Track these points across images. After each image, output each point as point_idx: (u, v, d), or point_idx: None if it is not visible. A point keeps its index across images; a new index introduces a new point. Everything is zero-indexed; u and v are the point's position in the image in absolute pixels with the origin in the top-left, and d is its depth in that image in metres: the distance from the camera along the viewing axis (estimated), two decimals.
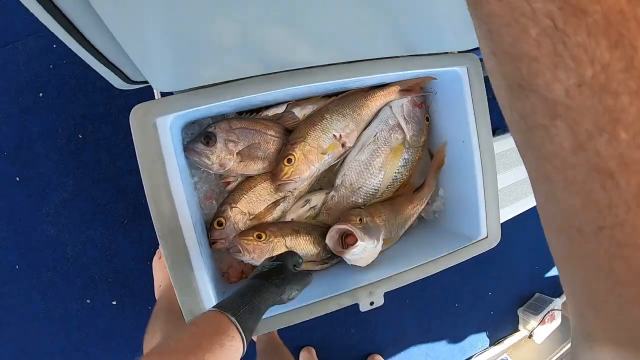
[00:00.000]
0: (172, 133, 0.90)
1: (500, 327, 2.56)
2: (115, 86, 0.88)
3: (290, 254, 0.92)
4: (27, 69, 1.69)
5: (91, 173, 1.75)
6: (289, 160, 1.05)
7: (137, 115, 0.84)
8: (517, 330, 2.58)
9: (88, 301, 1.84)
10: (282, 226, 1.10)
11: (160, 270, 1.60)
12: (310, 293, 1.01)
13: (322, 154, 1.08)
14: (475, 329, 2.50)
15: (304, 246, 1.10)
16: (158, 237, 0.88)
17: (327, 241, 1.07)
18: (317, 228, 1.14)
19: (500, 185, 1.40)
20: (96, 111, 1.73)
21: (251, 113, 1.11)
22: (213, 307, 0.69)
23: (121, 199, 1.79)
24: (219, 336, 0.62)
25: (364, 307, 1.03)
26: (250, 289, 0.75)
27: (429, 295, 2.31)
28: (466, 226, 1.19)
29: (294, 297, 0.85)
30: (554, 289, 2.58)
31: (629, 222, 0.21)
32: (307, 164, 1.06)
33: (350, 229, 1.03)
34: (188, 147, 1.01)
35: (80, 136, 1.72)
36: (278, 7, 0.61)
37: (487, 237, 1.16)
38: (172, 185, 0.88)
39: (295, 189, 1.12)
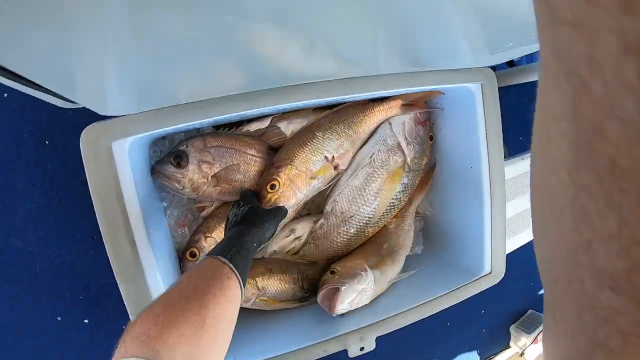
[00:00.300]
0: (132, 156, 0.75)
1: (491, 344, 2.50)
2: (59, 106, 0.74)
3: (252, 193, 0.92)
4: None
5: (59, 183, 1.62)
6: (273, 187, 0.91)
7: (88, 139, 0.70)
8: (508, 347, 2.52)
9: (59, 319, 1.72)
10: (254, 265, 0.98)
11: None
12: (296, 337, 0.91)
13: (311, 178, 0.94)
14: (468, 347, 2.43)
15: (278, 286, 0.98)
16: (118, 282, 0.76)
17: (321, 303, 0.96)
18: (294, 266, 1.01)
19: (507, 215, 1.27)
20: (63, 115, 1.59)
21: (230, 127, 0.96)
22: (204, 255, 0.71)
23: (90, 212, 1.65)
24: (218, 278, 0.63)
25: (353, 352, 0.91)
26: (234, 235, 0.76)
27: (427, 333, 2.22)
28: (469, 259, 1.07)
29: (273, 232, 0.86)
30: None
31: None
32: (293, 190, 0.92)
33: (328, 287, 0.94)
34: (155, 169, 0.87)
35: (47, 142, 1.58)
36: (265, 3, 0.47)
37: (490, 272, 1.05)
38: (132, 221, 0.74)
39: None
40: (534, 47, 0.82)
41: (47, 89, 0.55)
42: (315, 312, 1.02)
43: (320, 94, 0.80)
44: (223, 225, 0.95)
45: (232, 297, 0.62)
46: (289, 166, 0.93)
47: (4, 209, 1.60)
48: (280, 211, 0.89)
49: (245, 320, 1.01)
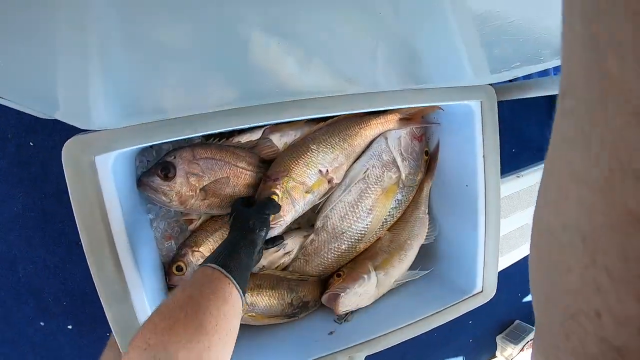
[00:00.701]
0: (117, 170, 0.72)
1: (478, 354, 2.51)
2: (39, 117, 0.71)
3: (240, 199, 0.91)
4: None
5: (43, 185, 1.58)
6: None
7: (70, 152, 0.66)
8: (494, 356, 2.53)
9: (42, 324, 1.69)
10: None
11: None
12: (285, 356, 0.92)
13: (306, 192, 0.92)
14: (454, 357, 2.43)
15: (267, 301, 0.96)
16: (102, 303, 0.73)
17: (326, 304, 1.01)
18: (283, 280, 0.99)
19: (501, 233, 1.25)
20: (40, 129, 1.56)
21: (220, 138, 0.93)
22: (201, 264, 0.69)
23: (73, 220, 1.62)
24: (211, 283, 0.64)
25: None
26: (224, 241, 0.77)
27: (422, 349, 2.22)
28: (461, 277, 1.06)
29: (266, 230, 0.83)
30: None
31: None
32: (291, 204, 0.90)
33: (331, 293, 0.97)
34: (142, 181, 0.83)
35: (31, 144, 1.54)
36: (261, 18, 0.44)
37: (482, 291, 1.03)
38: (116, 238, 0.70)
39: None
40: (540, 67, 0.80)
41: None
42: (303, 328, 1.01)
43: (317, 111, 0.78)
44: (211, 239, 0.92)
45: (227, 299, 0.63)
46: (286, 178, 0.91)
47: None
48: (267, 205, 0.86)
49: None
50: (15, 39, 0.34)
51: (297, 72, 0.64)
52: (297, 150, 0.94)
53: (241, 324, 0.94)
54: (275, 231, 0.91)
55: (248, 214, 0.82)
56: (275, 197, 0.89)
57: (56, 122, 1.48)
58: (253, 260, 0.76)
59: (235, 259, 0.70)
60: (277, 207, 0.87)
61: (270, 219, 0.86)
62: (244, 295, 0.68)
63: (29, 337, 1.67)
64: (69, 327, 1.69)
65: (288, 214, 0.91)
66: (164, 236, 0.94)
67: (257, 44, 0.49)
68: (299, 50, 0.55)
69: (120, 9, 0.34)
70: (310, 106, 0.77)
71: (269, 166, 0.95)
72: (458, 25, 0.53)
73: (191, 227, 0.95)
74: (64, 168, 0.67)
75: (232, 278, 0.65)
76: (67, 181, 0.67)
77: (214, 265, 0.66)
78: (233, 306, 0.64)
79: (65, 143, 0.67)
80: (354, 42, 0.56)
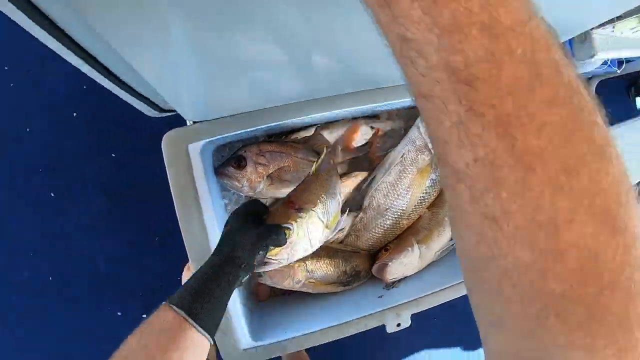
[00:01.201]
0: (204, 157, 0.93)
1: None
2: (148, 114, 0.91)
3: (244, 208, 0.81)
4: (63, 88, 1.75)
5: (124, 191, 1.80)
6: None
7: (169, 142, 0.88)
8: None
9: (119, 314, 1.90)
10: None
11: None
12: (338, 314, 1.04)
13: (326, 227, 0.93)
14: None
15: (325, 269, 1.11)
16: (190, 261, 0.91)
17: (375, 275, 1.15)
18: (339, 252, 1.15)
19: None
20: (129, 130, 1.78)
21: (281, 136, 1.14)
22: (166, 301, 0.64)
23: (153, 216, 1.83)
24: (170, 331, 0.58)
25: (391, 328, 1.04)
26: (199, 271, 0.68)
27: (460, 310, 2.29)
28: None
29: (260, 262, 0.76)
30: None
31: (510, 253, 0.28)
32: (308, 241, 0.89)
33: (380, 263, 1.12)
34: (219, 170, 1.03)
35: (113, 155, 1.78)
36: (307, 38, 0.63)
37: None
38: (203, 209, 0.90)
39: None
40: None
41: (145, 97, 0.73)
42: (356, 294, 1.16)
43: (362, 102, 0.96)
44: None
45: (189, 348, 0.58)
46: (311, 212, 0.87)
47: (73, 213, 1.79)
48: (272, 234, 0.76)
49: (296, 301, 1.16)
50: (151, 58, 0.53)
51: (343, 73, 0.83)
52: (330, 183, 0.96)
53: (301, 292, 1.12)
54: (267, 268, 0.81)
55: (243, 237, 0.72)
56: (287, 231, 0.79)
57: (135, 135, 1.71)
58: (230, 293, 0.67)
59: (205, 299, 0.62)
60: (282, 241, 0.77)
61: (271, 252, 0.77)
62: (213, 337, 0.62)
63: (107, 326, 1.86)
64: (144, 315, 1.88)
65: (298, 252, 0.84)
66: None
67: (310, 52, 0.68)
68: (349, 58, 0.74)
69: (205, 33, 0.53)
70: (356, 98, 0.95)
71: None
72: None
73: None
74: (164, 154, 0.88)
75: (196, 325, 0.59)
76: (166, 165, 0.88)
77: (176, 309, 0.60)
78: (196, 353, 0.59)
79: (165, 134, 0.88)
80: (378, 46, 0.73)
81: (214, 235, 0.92)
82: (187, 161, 0.89)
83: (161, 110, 0.90)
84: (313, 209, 0.86)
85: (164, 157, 0.88)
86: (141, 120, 1.77)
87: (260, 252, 0.73)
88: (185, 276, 1.67)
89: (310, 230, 0.85)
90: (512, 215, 0.27)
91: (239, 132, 0.91)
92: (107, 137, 1.81)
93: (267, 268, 0.81)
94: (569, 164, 0.26)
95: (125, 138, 1.80)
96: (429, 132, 0.30)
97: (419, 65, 0.26)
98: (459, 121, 0.26)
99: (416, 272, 1.17)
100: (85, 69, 0.63)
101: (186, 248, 0.91)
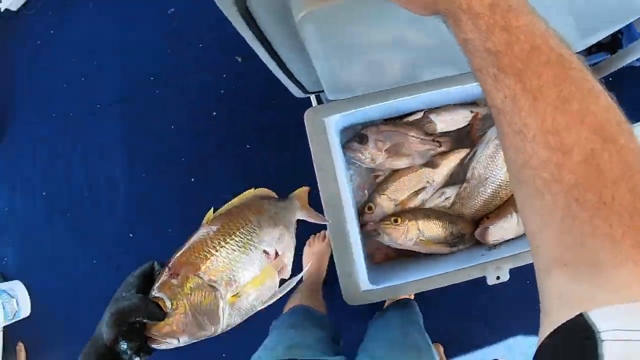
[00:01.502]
0: (335, 130, 1.18)
1: None
2: (295, 95, 1.19)
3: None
4: (204, 93, 2.16)
5: (257, 177, 2.12)
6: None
7: (310, 115, 1.15)
8: None
9: None
10: (415, 212, 1.32)
11: (308, 256, 2.05)
12: (446, 266, 1.22)
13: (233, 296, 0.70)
14: None
15: (434, 229, 1.30)
16: (324, 213, 1.16)
17: (478, 237, 1.31)
18: (447, 215, 1.34)
19: None
20: (260, 125, 2.13)
21: (394, 119, 1.37)
22: None
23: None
24: None
25: (491, 280, 1.18)
26: None
27: None
28: None
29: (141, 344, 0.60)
30: None
31: (534, 154, 0.41)
32: (192, 320, 0.67)
33: (482, 227, 1.29)
34: (346, 146, 1.29)
35: (247, 146, 2.11)
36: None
37: None
38: (337, 171, 1.15)
39: (433, 181, 1.34)
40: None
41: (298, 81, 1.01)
42: (462, 256, 1.33)
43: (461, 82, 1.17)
44: (392, 186, 1.33)
45: None
46: (191, 277, 0.67)
47: (208, 192, 2.20)
48: (143, 308, 0.59)
49: (407, 260, 1.38)
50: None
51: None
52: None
53: (411, 252, 1.32)
54: (159, 346, 0.62)
55: (116, 309, 0.57)
56: (162, 302, 0.63)
57: (269, 128, 2.05)
58: None
59: None
60: (156, 315, 0.60)
61: (152, 332, 0.61)
62: None
63: None
64: None
65: (183, 335, 0.62)
66: (359, 187, 1.38)
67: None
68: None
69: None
70: (456, 80, 1.17)
71: (433, 138, 1.35)
72: None
73: (377, 180, 1.37)
74: (306, 125, 1.16)
75: None
76: (307, 133, 1.16)
77: None
78: None
79: (306, 111, 1.15)
80: None
81: (345, 195, 1.17)
82: (324, 129, 1.15)
83: (306, 91, 1.17)
84: (195, 274, 0.66)
85: (306, 127, 1.15)
86: (268, 117, 2.11)
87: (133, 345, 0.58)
88: (305, 251, 1.98)
89: (199, 303, 0.65)
90: (529, 126, 0.41)
91: (363, 109, 1.16)
92: (241, 132, 2.15)
93: (159, 346, 0.62)
94: (561, 95, 0.40)
95: (257, 132, 2.13)
96: (483, 90, 0.46)
97: (473, 52, 0.45)
98: (494, 76, 0.43)
99: (515, 237, 1.32)
100: (264, 58, 0.91)
101: (322, 203, 1.16)
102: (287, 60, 0.97)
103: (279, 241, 0.76)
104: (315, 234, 2.15)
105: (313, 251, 2.09)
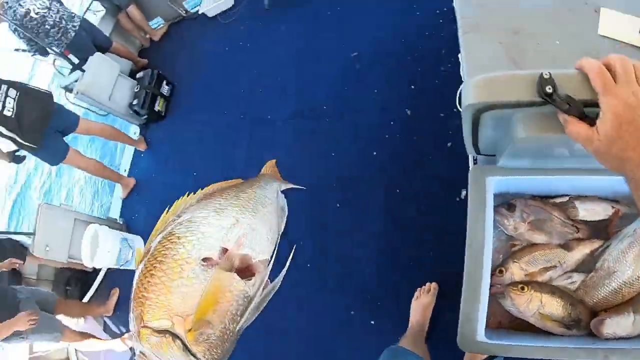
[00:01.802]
0: (491, 192, 1.35)
1: None
2: (467, 151, 1.37)
3: None
4: (367, 133, 2.49)
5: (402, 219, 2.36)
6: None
7: (476, 172, 1.34)
8: None
9: (352, 312, 2.38)
10: (542, 285, 1.43)
11: (414, 309, 2.22)
12: (554, 342, 1.33)
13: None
14: None
15: (555, 307, 1.38)
16: (465, 257, 1.31)
17: (593, 329, 1.36)
18: (570, 297, 1.42)
19: None
20: (418, 174, 2.40)
21: (542, 198, 1.52)
22: None
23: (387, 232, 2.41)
24: None
25: None
26: None
27: None
28: None
29: None
30: None
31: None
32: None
33: (598, 319, 1.36)
34: (495, 209, 1.45)
35: (397, 191, 2.39)
36: None
37: None
38: (486, 224, 1.32)
39: (564, 262, 1.47)
40: None
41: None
42: (574, 342, 1.39)
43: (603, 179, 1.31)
44: (525, 258, 1.46)
45: None
46: (143, 330, 0.67)
47: (359, 223, 2.46)
48: None
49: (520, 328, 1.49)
50: None
51: None
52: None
53: (523, 326, 1.44)
54: None
55: None
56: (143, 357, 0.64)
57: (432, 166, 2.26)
58: None
59: None
60: None
61: None
62: None
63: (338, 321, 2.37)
64: (372, 322, 2.32)
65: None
66: (496, 250, 1.54)
67: None
68: None
69: None
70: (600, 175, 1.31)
71: (572, 223, 1.49)
72: None
73: (514, 249, 1.52)
74: (469, 181, 1.34)
75: None
76: (468, 187, 1.33)
77: None
78: None
79: (472, 167, 1.35)
80: None
81: (487, 250, 1.32)
82: (484, 187, 1.33)
83: (477, 152, 1.34)
84: (142, 327, 0.64)
85: (469, 181, 1.34)
86: (423, 169, 2.30)
87: None
88: (414, 303, 2.18)
89: (164, 354, 0.62)
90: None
91: (518, 177, 1.33)
92: (395, 175, 2.39)
93: None
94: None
95: (407, 177, 2.36)
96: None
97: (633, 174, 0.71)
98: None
99: (629, 337, 1.37)
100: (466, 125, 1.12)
101: (467, 248, 1.32)
102: (482, 134, 1.17)
103: (229, 232, 0.71)
104: (421, 288, 2.32)
105: (420, 303, 2.25)
